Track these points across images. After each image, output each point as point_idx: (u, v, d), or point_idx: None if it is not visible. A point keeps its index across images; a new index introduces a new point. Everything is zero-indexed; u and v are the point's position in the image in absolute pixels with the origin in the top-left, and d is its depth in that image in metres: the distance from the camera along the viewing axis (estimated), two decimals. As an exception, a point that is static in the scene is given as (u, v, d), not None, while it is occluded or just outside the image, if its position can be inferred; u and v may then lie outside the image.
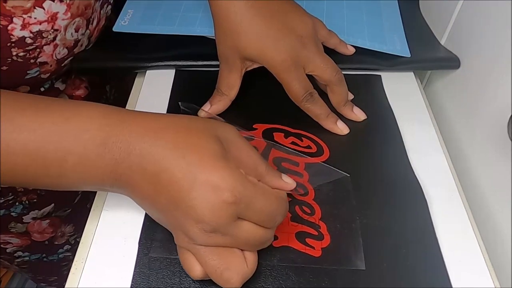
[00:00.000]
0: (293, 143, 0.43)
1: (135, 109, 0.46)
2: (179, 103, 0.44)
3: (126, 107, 0.47)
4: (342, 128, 0.45)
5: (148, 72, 0.51)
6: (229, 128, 0.33)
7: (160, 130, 0.30)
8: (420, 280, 0.34)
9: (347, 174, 0.39)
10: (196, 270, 0.31)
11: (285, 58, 0.41)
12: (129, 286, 0.33)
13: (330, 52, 0.48)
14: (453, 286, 0.34)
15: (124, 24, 0.52)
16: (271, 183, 0.33)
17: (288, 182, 0.34)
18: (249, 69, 0.44)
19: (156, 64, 0.50)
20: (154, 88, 0.49)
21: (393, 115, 0.47)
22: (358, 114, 0.46)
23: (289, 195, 0.38)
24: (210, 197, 0.28)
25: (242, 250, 0.32)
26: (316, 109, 0.43)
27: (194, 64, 0.50)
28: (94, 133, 0.30)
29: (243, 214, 0.30)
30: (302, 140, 0.43)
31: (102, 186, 0.31)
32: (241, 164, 0.31)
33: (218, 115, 0.45)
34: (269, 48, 0.41)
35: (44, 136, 0.29)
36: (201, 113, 0.45)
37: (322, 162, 0.41)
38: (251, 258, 0.32)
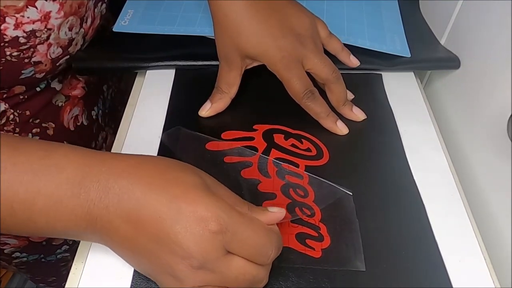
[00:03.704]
0: (293, 145, 0.43)
1: (135, 109, 0.46)
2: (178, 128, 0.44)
3: (126, 107, 0.47)
4: (341, 128, 0.45)
5: (148, 72, 0.51)
6: (207, 174, 0.31)
7: (140, 164, 0.29)
8: (420, 281, 0.34)
9: (350, 193, 0.39)
10: None
11: (284, 56, 0.41)
12: (129, 286, 0.33)
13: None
14: (453, 286, 0.34)
15: (124, 24, 0.52)
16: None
17: (276, 211, 0.31)
18: (248, 67, 0.44)
19: (156, 64, 0.50)
20: (154, 88, 0.49)
21: (392, 115, 0.47)
22: (358, 114, 0.46)
23: (289, 197, 0.38)
24: (194, 229, 0.27)
25: None
26: (316, 107, 0.43)
27: (194, 64, 0.50)
28: (71, 171, 0.28)
29: (230, 245, 0.28)
30: (302, 143, 0.43)
31: (74, 231, 0.29)
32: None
33: (218, 114, 0.45)
34: (269, 47, 0.41)
35: (16, 175, 0.27)
36: (202, 112, 0.45)
37: (324, 170, 0.41)
38: None
